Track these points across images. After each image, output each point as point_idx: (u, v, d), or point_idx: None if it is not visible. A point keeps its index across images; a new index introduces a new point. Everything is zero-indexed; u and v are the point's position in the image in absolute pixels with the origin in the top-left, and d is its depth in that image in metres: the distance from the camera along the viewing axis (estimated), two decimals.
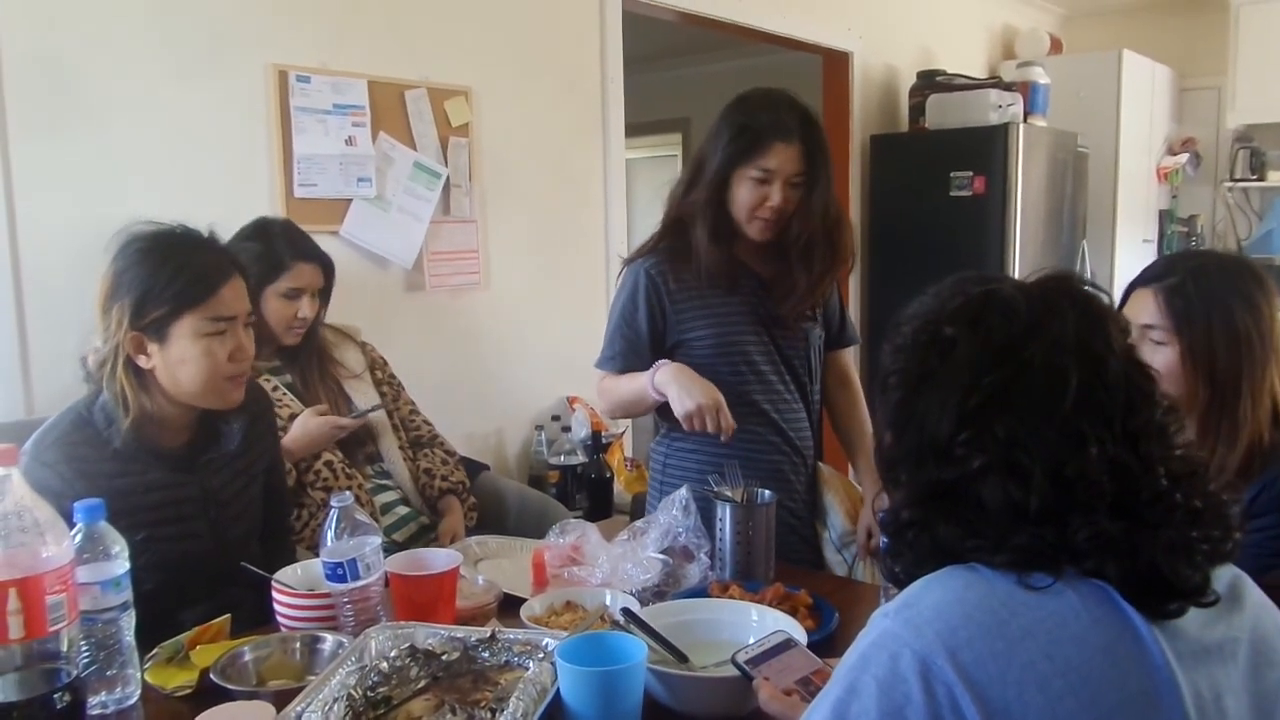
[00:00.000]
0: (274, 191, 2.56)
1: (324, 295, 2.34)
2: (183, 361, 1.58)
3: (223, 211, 2.36)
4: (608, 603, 1.46)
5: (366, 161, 2.73)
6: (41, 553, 1.09)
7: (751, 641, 1.21)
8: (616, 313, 2.02)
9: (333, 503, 1.36)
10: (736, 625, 1.39)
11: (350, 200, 2.71)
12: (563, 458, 3.16)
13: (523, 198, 3.23)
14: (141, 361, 1.59)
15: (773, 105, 1.90)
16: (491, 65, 3.09)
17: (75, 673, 1.11)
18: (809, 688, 1.08)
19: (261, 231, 2.28)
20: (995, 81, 4.77)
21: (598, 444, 3.22)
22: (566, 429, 3.24)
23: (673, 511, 1.67)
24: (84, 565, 1.19)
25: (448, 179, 2.94)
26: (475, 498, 2.52)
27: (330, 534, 1.36)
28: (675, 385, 1.82)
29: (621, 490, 3.27)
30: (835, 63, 4.66)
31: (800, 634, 1.28)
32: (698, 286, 1.97)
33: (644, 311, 1.98)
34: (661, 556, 1.67)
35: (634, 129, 3.71)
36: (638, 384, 1.91)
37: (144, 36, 2.33)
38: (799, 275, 1.97)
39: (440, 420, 2.58)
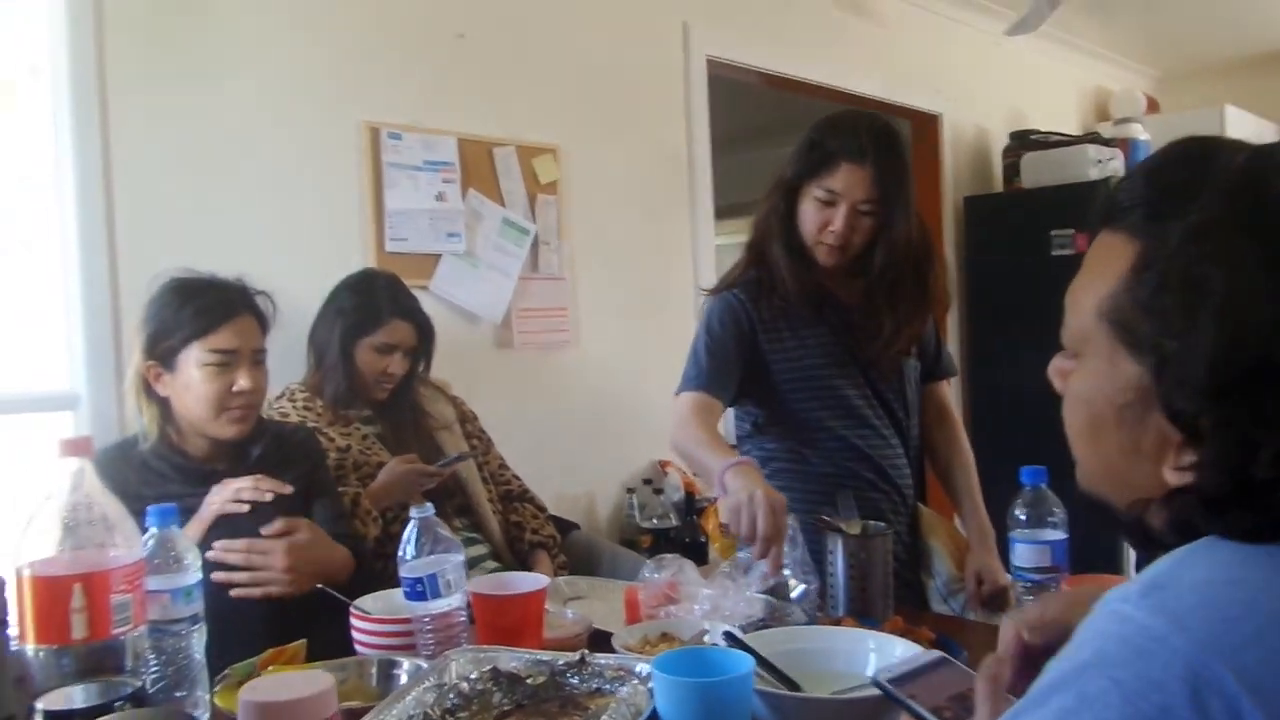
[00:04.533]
0: (366, 245, 2.58)
1: (420, 355, 2.32)
2: (187, 388, 1.73)
3: (316, 263, 2.41)
4: (707, 630, 1.34)
5: (456, 217, 2.73)
6: (109, 550, 1.03)
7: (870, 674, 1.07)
8: (702, 335, 1.89)
9: (412, 514, 1.29)
10: (852, 655, 1.24)
11: (440, 255, 2.72)
12: (655, 521, 3.05)
13: (611, 258, 3.20)
14: (159, 389, 1.76)
15: (850, 125, 1.79)
16: (579, 124, 3.10)
17: (140, 686, 1.03)
18: (964, 704, 0.93)
19: (365, 283, 2.29)
20: (1093, 137, 4.63)
21: (691, 508, 3.10)
22: (659, 492, 3.13)
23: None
24: (154, 573, 1.13)
25: (536, 236, 2.93)
26: (566, 555, 2.42)
27: (410, 548, 1.27)
28: (738, 481, 1.55)
29: (716, 555, 3.12)
30: (924, 125, 4.60)
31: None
32: (785, 318, 1.87)
33: (734, 336, 1.85)
34: (765, 596, 1.54)
35: (724, 211, 3.67)
36: (710, 463, 1.68)
37: (243, 88, 2.40)
38: (885, 315, 1.84)
39: (530, 480, 2.52)
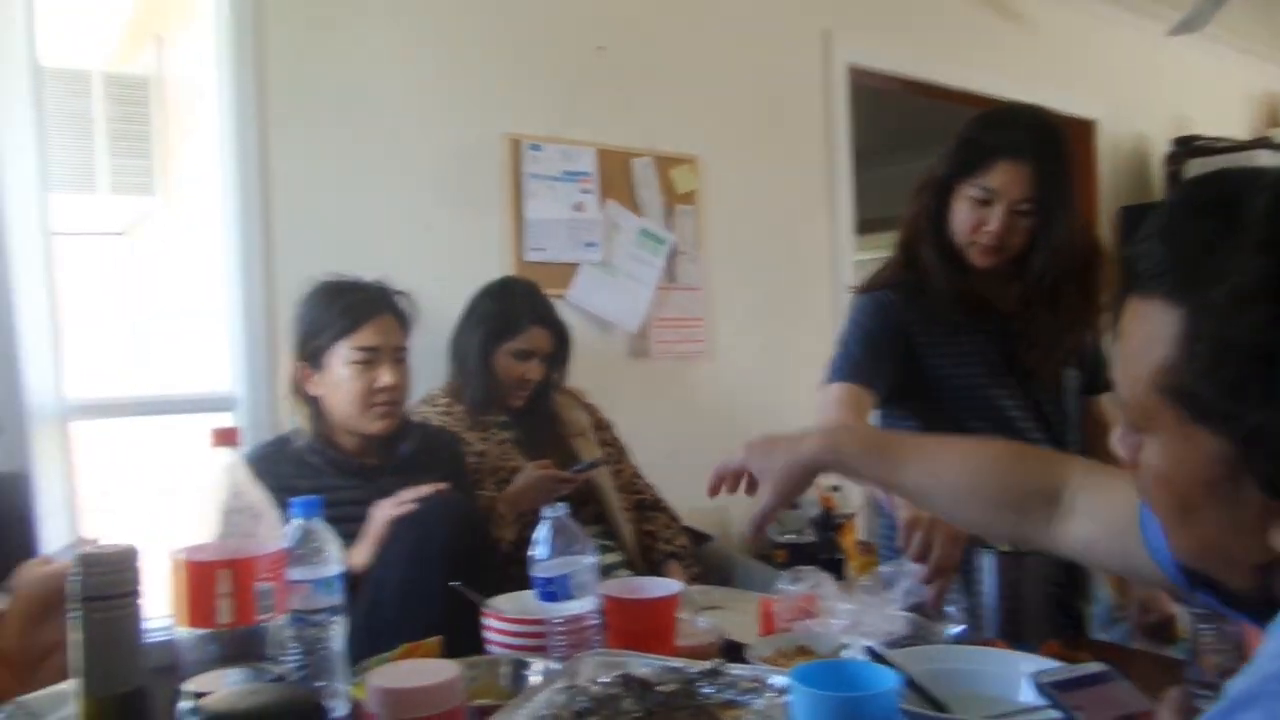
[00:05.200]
0: (506, 254, 2.62)
1: (556, 362, 2.34)
2: (335, 386, 1.81)
3: (458, 270, 2.46)
4: (847, 645, 1.27)
5: (594, 227, 2.75)
6: (254, 538, 1.05)
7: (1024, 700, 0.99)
8: (851, 328, 1.79)
9: (545, 514, 1.28)
10: (1005, 678, 1.16)
11: (578, 265, 2.73)
12: (792, 536, 2.96)
13: (749, 269, 3.16)
14: (310, 388, 1.85)
15: (1009, 120, 1.69)
16: (717, 134, 3.08)
17: (282, 673, 1.05)
18: None
19: (504, 290, 2.33)
20: (1264, 142, 4.32)
21: (828, 524, 3.00)
22: (795, 506, 3.05)
23: None
24: (297, 564, 1.15)
25: (674, 246, 2.91)
26: (699, 566, 2.38)
27: (543, 548, 1.26)
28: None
29: (853, 574, 3.01)
30: (1078, 132, 4.36)
31: None
32: (938, 323, 1.77)
33: (885, 331, 1.75)
34: (908, 613, 1.46)
35: (865, 226, 3.58)
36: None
37: (391, 103, 2.48)
38: (1044, 322, 1.72)
39: (663, 490, 2.50)
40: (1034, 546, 1.08)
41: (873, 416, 1.79)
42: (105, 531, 1.80)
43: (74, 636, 0.59)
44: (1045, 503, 1.02)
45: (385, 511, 1.69)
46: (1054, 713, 1.04)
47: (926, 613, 1.46)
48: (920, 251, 1.76)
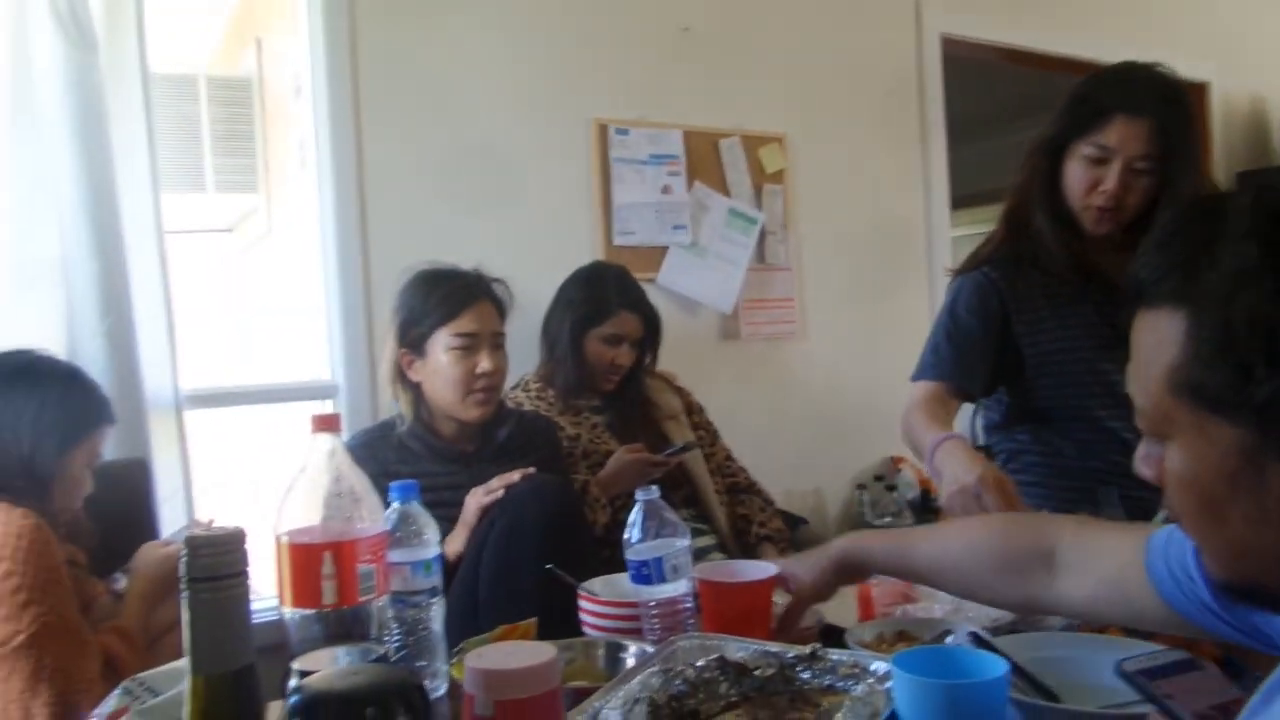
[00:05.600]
0: (595, 238, 2.63)
1: (647, 346, 2.34)
2: (436, 373, 1.83)
3: (548, 256, 2.48)
4: (952, 634, 1.24)
5: (682, 209, 2.74)
6: (355, 521, 1.07)
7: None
8: (945, 320, 1.75)
9: (638, 496, 1.27)
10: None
11: (667, 248, 2.73)
12: (888, 519, 2.92)
13: (841, 248, 3.10)
14: (411, 375, 1.87)
15: (1125, 76, 1.61)
16: (806, 111, 3.03)
17: (385, 652, 1.07)
18: (1227, 715, 0.80)
19: (594, 276, 2.34)
20: None
21: (927, 505, 2.95)
22: (891, 489, 3.00)
23: None
24: (396, 546, 1.17)
25: (763, 226, 2.88)
26: (794, 550, 2.36)
27: (636, 531, 1.26)
28: (951, 461, 1.46)
29: None
30: (1190, 95, 4.15)
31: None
32: (1045, 295, 1.70)
33: (980, 317, 1.70)
34: None
35: (960, 201, 3.47)
36: (925, 440, 1.56)
37: (480, 93, 2.51)
38: None
39: (757, 474, 2.48)
40: (1044, 611, 1.11)
41: (959, 414, 1.74)
42: (218, 515, 1.88)
43: (184, 616, 0.61)
44: (1042, 564, 1.06)
45: (476, 499, 1.71)
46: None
47: None
48: (1031, 218, 1.69)
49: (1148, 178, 1.58)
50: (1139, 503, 1.61)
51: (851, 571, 1.24)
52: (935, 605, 1.40)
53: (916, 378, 1.73)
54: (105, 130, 2.03)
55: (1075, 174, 1.63)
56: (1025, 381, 1.71)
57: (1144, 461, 0.75)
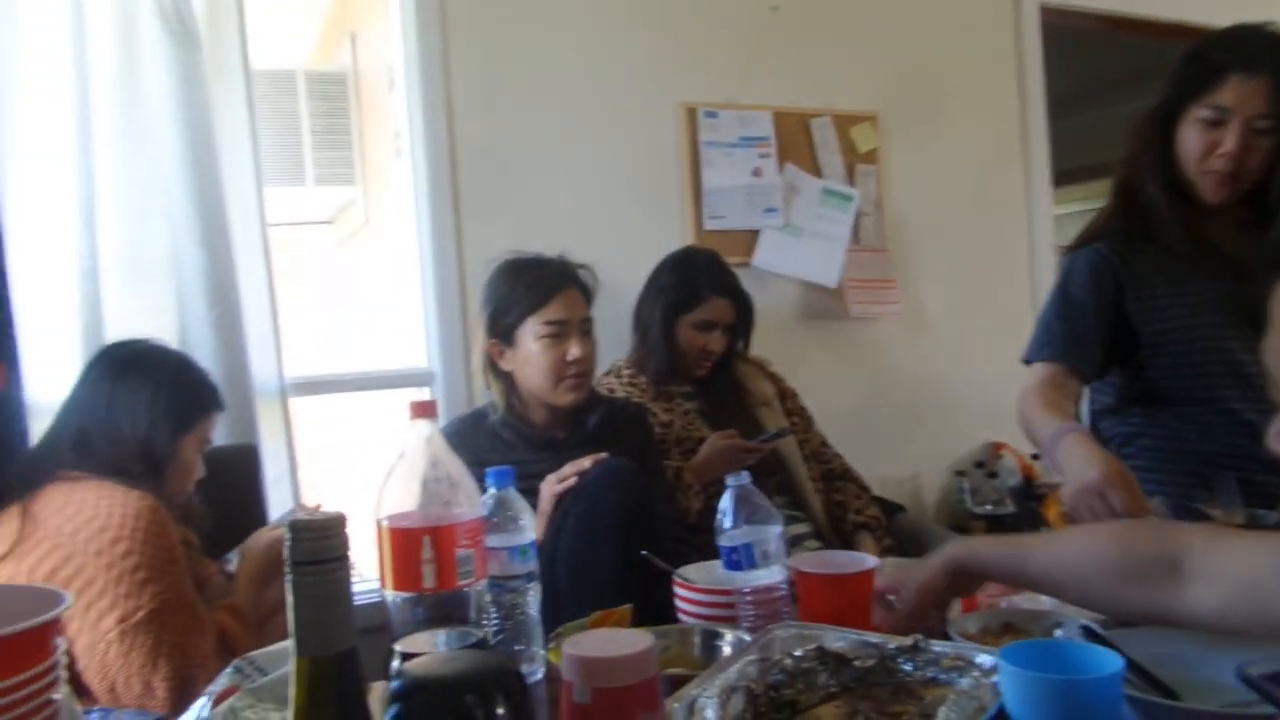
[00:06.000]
0: (685, 224, 2.61)
1: (739, 331, 2.32)
2: (526, 361, 1.85)
3: (638, 242, 2.47)
4: (1062, 627, 1.19)
5: (773, 192, 2.70)
6: (453, 506, 1.09)
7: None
8: (1056, 299, 1.68)
9: (729, 482, 1.26)
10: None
11: (758, 231, 2.69)
12: (989, 507, 2.84)
13: (937, 228, 3.02)
14: (502, 365, 1.90)
15: (1239, 35, 1.53)
16: (899, 89, 2.95)
17: (484, 635, 1.08)
18: None
19: (686, 261, 2.32)
20: None
21: (1030, 493, 2.85)
22: (993, 475, 2.91)
23: None
24: (493, 531, 1.18)
25: (858, 205, 2.82)
26: (892, 538, 2.31)
27: (727, 518, 1.25)
28: (1073, 457, 1.40)
29: None
30: None
31: None
32: (1162, 271, 1.62)
33: (1094, 295, 1.63)
34: None
35: (1062, 177, 3.34)
36: (1044, 432, 1.50)
37: (569, 80, 2.52)
38: None
39: (852, 460, 2.44)
40: (1171, 622, 1.04)
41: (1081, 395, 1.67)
42: (322, 499, 1.94)
43: (288, 599, 0.62)
44: (1169, 571, 1.01)
45: (550, 487, 1.71)
46: None
47: None
48: (1143, 190, 1.62)
49: (1267, 139, 1.51)
50: (1260, 488, 1.53)
51: (964, 580, 1.18)
52: (1042, 597, 1.35)
53: (1030, 359, 1.66)
54: (210, 126, 2.09)
55: (1190, 139, 1.55)
56: (1140, 361, 1.63)
57: (1278, 439, 0.70)
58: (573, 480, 1.70)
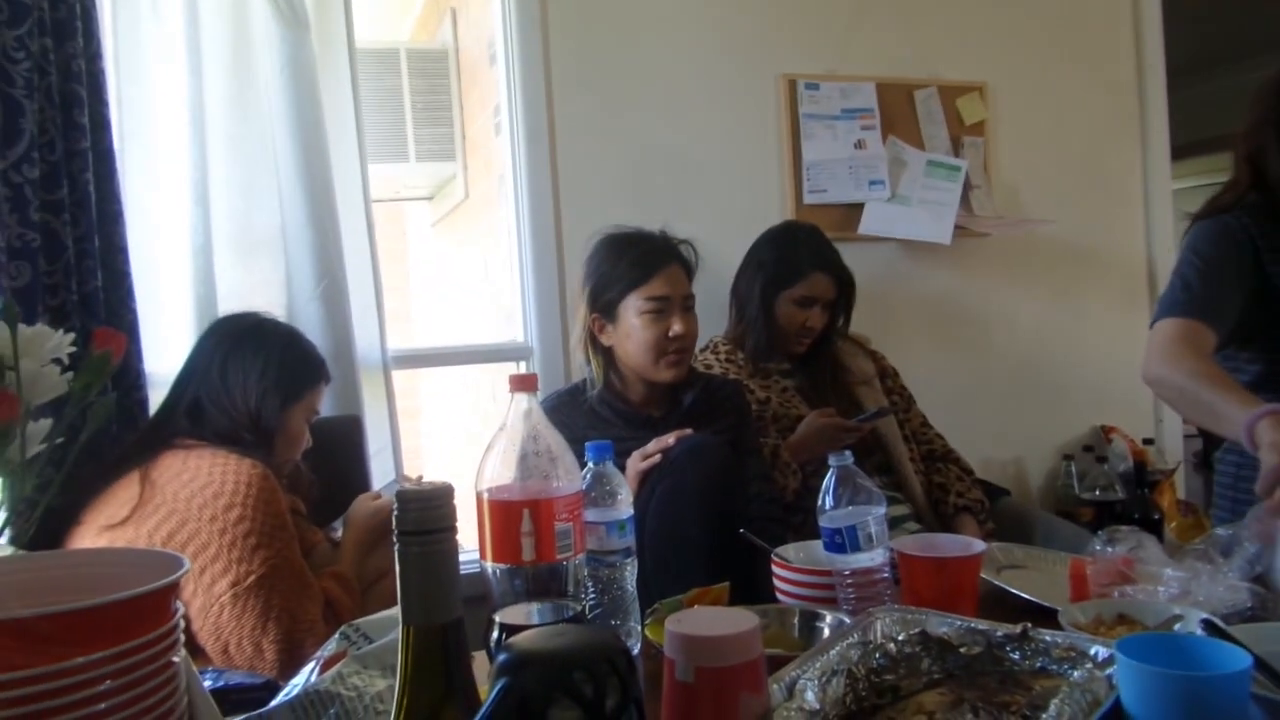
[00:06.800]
0: (785, 198, 2.57)
1: (839, 308, 2.27)
2: (628, 336, 1.84)
3: (737, 217, 2.45)
4: (1181, 620, 1.14)
5: (878, 164, 2.63)
6: (552, 480, 1.09)
7: None
8: (1189, 258, 1.58)
9: (831, 461, 1.24)
10: None
11: (861, 205, 2.63)
12: (1097, 493, 2.73)
13: (1046, 202, 2.90)
14: (603, 340, 1.89)
15: None
16: (1007, 57, 2.84)
17: (581, 609, 1.09)
18: None
19: (786, 236, 2.29)
20: None
21: (1142, 479, 2.73)
22: (1102, 460, 2.80)
23: (1259, 525, 1.27)
24: (591, 505, 1.18)
25: (966, 178, 2.72)
26: (994, 522, 2.24)
27: (829, 498, 1.22)
28: None
29: (1172, 537, 2.72)
30: None
31: None
32: None
33: (1233, 259, 1.52)
34: (1250, 584, 1.28)
35: (1182, 150, 3.16)
36: (1224, 407, 1.38)
37: (667, 51, 2.50)
38: None
39: (954, 442, 2.37)
40: None
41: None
42: (423, 470, 1.98)
43: (396, 568, 0.63)
44: None
45: (634, 465, 1.70)
46: None
47: (1275, 583, 1.28)
48: (1270, 162, 1.52)
49: None
50: None
51: None
52: (1159, 587, 1.29)
53: (1162, 316, 1.55)
54: (317, 105, 2.14)
55: None
56: (1277, 340, 1.53)
57: None
58: (657, 458, 1.69)
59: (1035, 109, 2.87)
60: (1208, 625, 1.02)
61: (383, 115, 3.09)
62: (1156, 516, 2.70)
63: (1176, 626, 1.15)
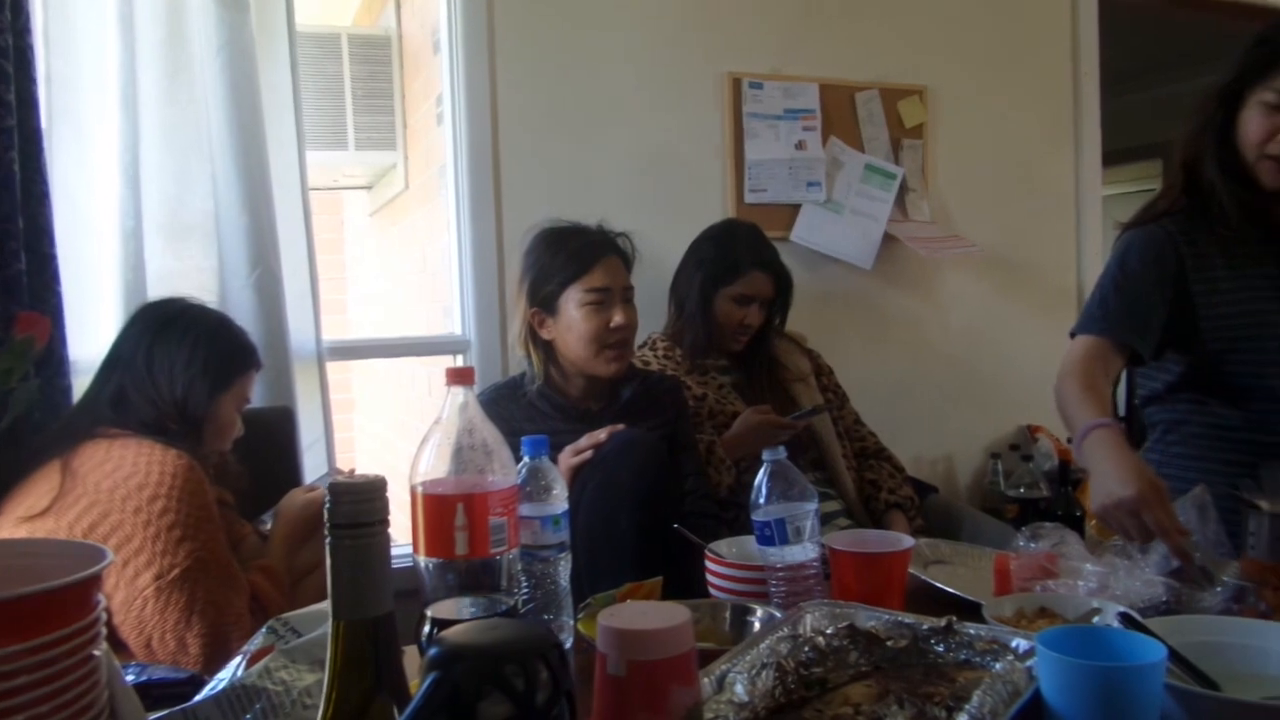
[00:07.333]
0: (725, 196, 2.59)
1: (777, 306, 2.30)
2: (569, 329, 1.83)
3: (679, 214, 2.45)
4: (1100, 613, 1.17)
5: (817, 165, 2.66)
6: (488, 474, 1.08)
7: None
8: (1113, 270, 1.62)
9: (765, 456, 1.25)
10: None
11: (799, 205, 2.66)
12: (1023, 490, 2.80)
13: (982, 205, 2.97)
14: (544, 334, 1.87)
15: None
16: (949, 63, 2.89)
17: (514, 604, 1.08)
18: None
19: (726, 233, 2.30)
20: None
21: (1066, 478, 2.81)
22: (1028, 459, 2.88)
23: (1185, 517, 1.32)
24: (526, 500, 1.18)
25: (903, 182, 2.77)
26: (924, 519, 2.29)
27: (762, 494, 1.24)
28: (1104, 461, 1.34)
29: (1093, 534, 2.81)
30: None
31: None
32: (1224, 254, 1.58)
33: (1155, 273, 1.57)
34: (1166, 579, 1.32)
35: (1113, 157, 3.26)
36: (1076, 421, 1.45)
37: (613, 46, 2.49)
38: None
39: (886, 439, 2.42)
40: None
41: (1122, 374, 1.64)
42: (357, 463, 1.95)
43: (327, 561, 0.62)
44: None
45: (566, 461, 1.70)
46: None
47: (1190, 578, 1.33)
48: (1203, 171, 1.57)
49: None
50: None
51: None
52: (1079, 582, 1.33)
53: (1078, 332, 1.60)
54: (255, 89, 2.10)
55: (1251, 122, 1.51)
56: (1199, 346, 1.58)
57: None
58: (589, 453, 1.69)
59: (973, 114, 2.93)
60: (1124, 618, 1.06)
61: (322, 101, 3.03)
62: (1079, 513, 2.78)
63: (1095, 619, 1.18)
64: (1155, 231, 1.61)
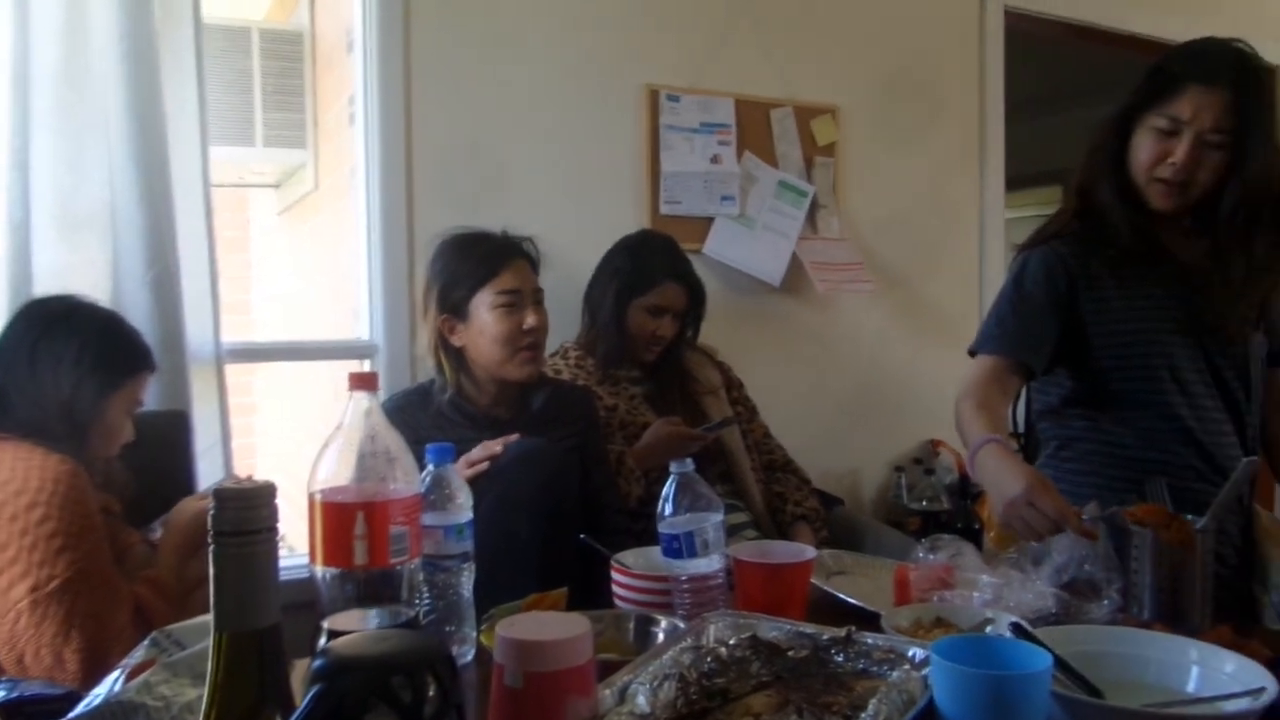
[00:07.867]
0: (641, 208, 2.59)
1: (689, 318, 2.31)
2: (481, 333, 1.81)
3: (595, 223, 2.45)
4: (992, 624, 1.20)
5: (731, 180, 2.69)
6: (390, 482, 1.06)
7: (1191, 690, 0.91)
8: (1009, 291, 1.68)
9: (672, 468, 1.25)
10: (1168, 666, 1.07)
11: (713, 219, 2.68)
12: (924, 503, 2.88)
13: (890, 225, 3.04)
14: (454, 340, 1.85)
15: (1203, 48, 1.55)
16: (861, 83, 2.96)
17: (415, 615, 1.06)
18: None
19: (641, 244, 2.31)
20: None
21: (966, 491, 2.89)
22: (930, 473, 2.95)
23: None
24: (430, 509, 1.16)
25: (814, 198, 2.82)
26: (829, 531, 2.32)
27: (669, 505, 1.24)
28: (994, 472, 1.40)
29: (990, 546, 2.89)
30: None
31: (1273, 684, 0.95)
32: (1114, 275, 1.63)
33: (1048, 294, 1.62)
34: (1056, 590, 1.37)
35: (1016, 182, 3.38)
36: (968, 438, 1.50)
37: (532, 55, 2.48)
38: (1234, 264, 1.56)
39: (794, 453, 2.45)
40: None
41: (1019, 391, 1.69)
42: (255, 469, 1.89)
43: (210, 570, 0.59)
44: None
45: (461, 473, 1.66)
46: (1226, 705, 0.96)
47: (1080, 589, 1.37)
48: (1097, 194, 1.63)
49: (1218, 153, 1.52)
50: (1193, 495, 1.56)
51: None
52: (974, 593, 1.36)
53: (976, 350, 1.66)
54: (157, 78, 2.02)
55: (1143, 146, 1.57)
56: (1090, 364, 1.64)
57: None
58: (484, 465, 1.67)
59: (883, 135, 3.00)
60: (1016, 628, 1.09)
61: (230, 96, 2.95)
62: (977, 526, 2.86)
63: (988, 629, 1.21)
64: (1048, 253, 1.66)
